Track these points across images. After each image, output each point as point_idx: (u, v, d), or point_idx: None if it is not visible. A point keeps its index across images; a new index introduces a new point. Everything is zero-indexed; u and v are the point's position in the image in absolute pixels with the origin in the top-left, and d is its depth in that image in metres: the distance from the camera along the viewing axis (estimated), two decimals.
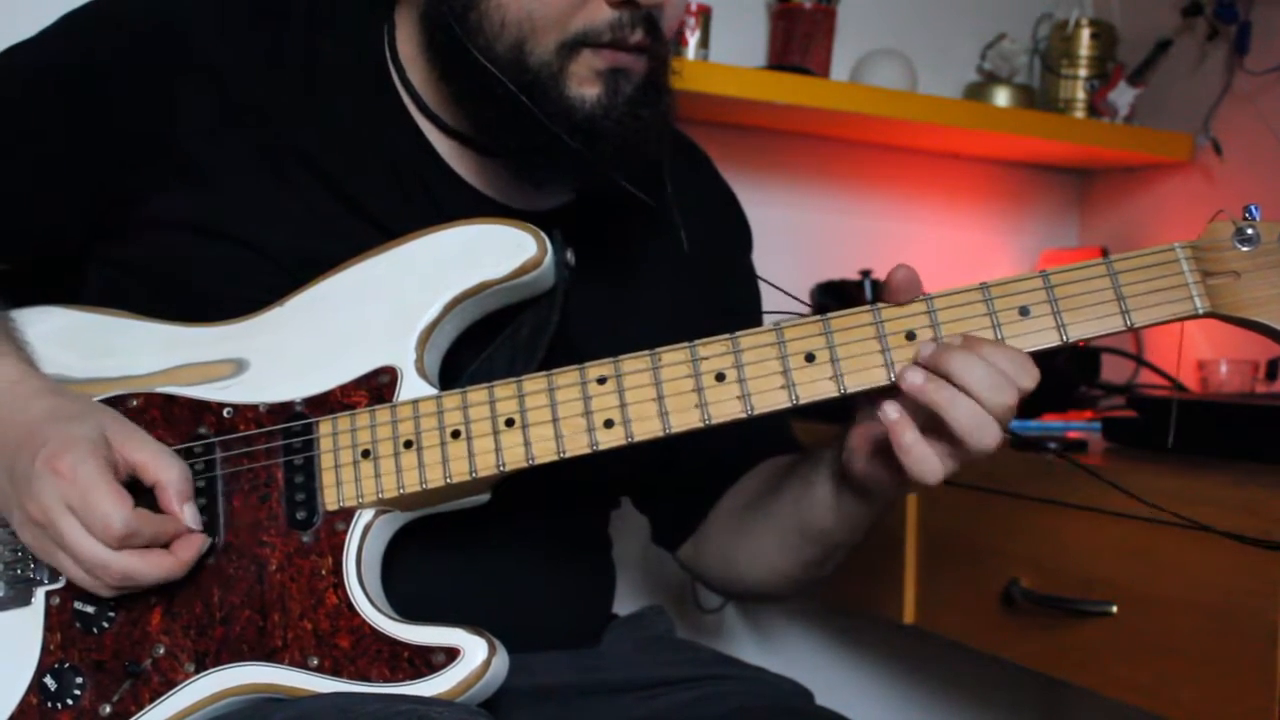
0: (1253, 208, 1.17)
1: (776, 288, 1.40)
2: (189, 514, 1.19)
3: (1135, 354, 2.44)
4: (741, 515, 1.48)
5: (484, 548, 1.33)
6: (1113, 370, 2.44)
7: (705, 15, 2.24)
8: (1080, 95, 2.54)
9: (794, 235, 2.47)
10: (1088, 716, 2.55)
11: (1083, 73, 2.54)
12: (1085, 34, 2.53)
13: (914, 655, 2.58)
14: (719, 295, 1.51)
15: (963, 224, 2.70)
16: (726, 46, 2.33)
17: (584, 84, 1.25)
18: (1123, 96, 2.50)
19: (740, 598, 1.56)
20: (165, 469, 1.19)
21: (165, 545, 1.18)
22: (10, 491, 1.18)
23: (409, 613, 1.20)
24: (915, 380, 1.13)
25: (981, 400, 1.12)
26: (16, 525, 1.19)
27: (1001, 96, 2.54)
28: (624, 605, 1.57)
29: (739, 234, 1.62)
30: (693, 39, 2.23)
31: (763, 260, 1.62)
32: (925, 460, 1.14)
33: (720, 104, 2.26)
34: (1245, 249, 1.16)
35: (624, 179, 1.28)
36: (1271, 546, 1.35)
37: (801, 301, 1.38)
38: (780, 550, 1.43)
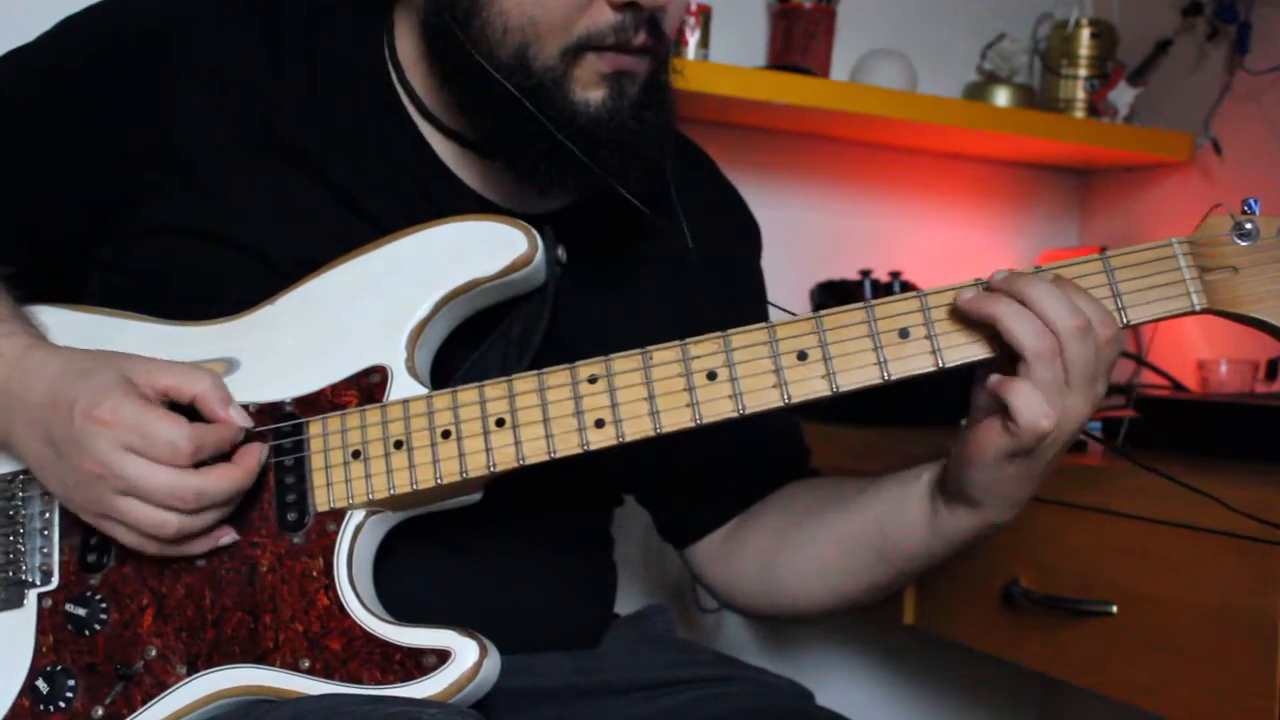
0: (1252, 201, 1.16)
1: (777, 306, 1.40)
2: (236, 414, 1.19)
3: (1135, 354, 2.43)
4: (793, 528, 1.45)
5: (482, 547, 1.33)
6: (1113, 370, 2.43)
7: (705, 15, 2.24)
8: (1080, 95, 2.53)
9: (794, 235, 2.46)
10: (1088, 716, 2.55)
11: (1083, 73, 2.53)
12: (1085, 34, 2.53)
13: (914, 655, 2.58)
14: (722, 299, 1.50)
15: (963, 224, 2.69)
16: (726, 46, 2.33)
17: (588, 88, 1.25)
18: (1123, 96, 2.50)
19: (767, 612, 1.51)
20: (196, 382, 1.19)
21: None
22: (52, 458, 1.18)
23: (406, 614, 1.20)
24: (967, 294, 1.15)
25: (1049, 320, 1.12)
26: (66, 490, 1.19)
27: (1001, 96, 2.53)
28: (624, 605, 1.57)
29: (744, 236, 1.61)
30: (693, 39, 2.23)
31: (763, 260, 1.61)
32: (1034, 399, 1.13)
33: (720, 104, 2.26)
34: (1244, 244, 1.15)
35: (628, 182, 1.28)
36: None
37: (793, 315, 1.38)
38: (843, 567, 1.40)
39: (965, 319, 1.16)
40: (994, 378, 1.15)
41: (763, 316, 1.56)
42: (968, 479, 1.22)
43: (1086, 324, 1.12)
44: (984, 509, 1.24)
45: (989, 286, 1.16)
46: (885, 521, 1.34)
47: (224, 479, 1.17)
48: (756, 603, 1.52)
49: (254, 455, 1.19)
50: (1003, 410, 1.14)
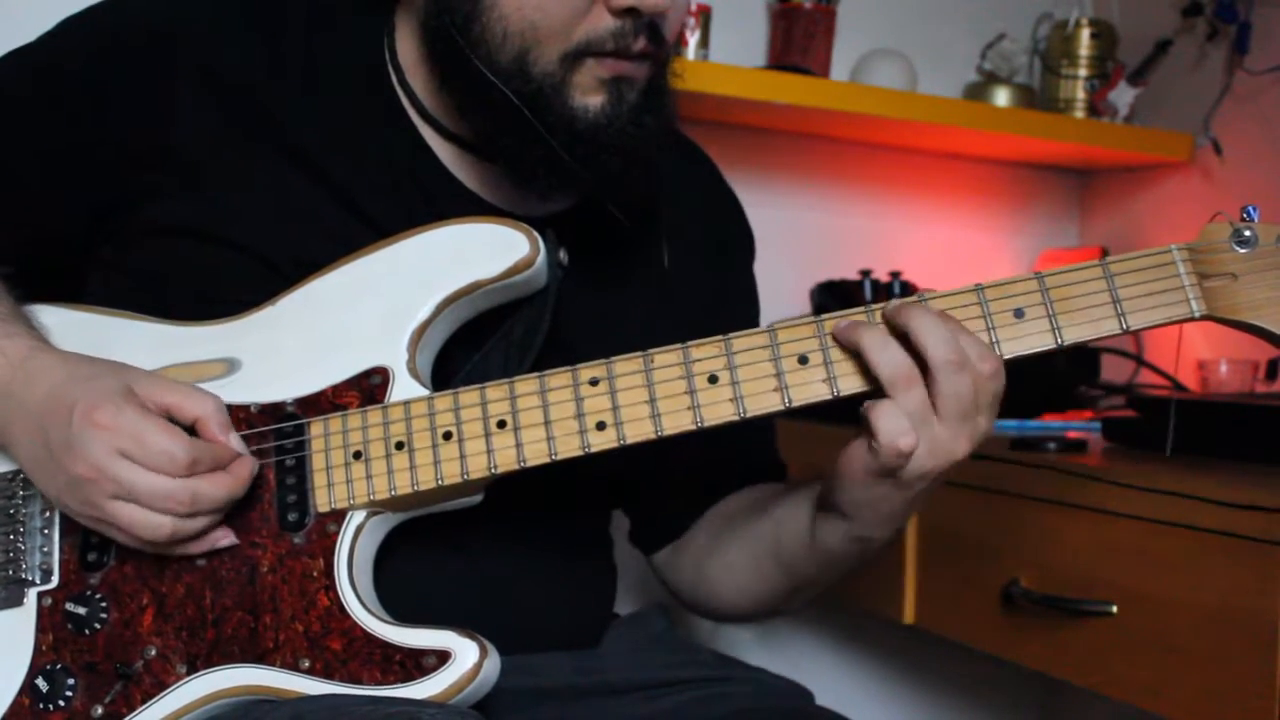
0: (1251, 209, 1.17)
1: None
2: (235, 442, 1.20)
3: (1135, 354, 2.44)
4: (721, 532, 1.47)
5: (482, 548, 1.33)
6: (1113, 370, 2.44)
7: (705, 15, 2.24)
8: (1080, 95, 2.53)
9: (794, 235, 2.47)
10: (1087, 716, 2.55)
11: (1083, 73, 2.53)
12: (1085, 34, 2.53)
13: (914, 655, 2.58)
14: (716, 302, 1.51)
15: (963, 224, 2.69)
16: (726, 46, 2.33)
17: (587, 93, 1.25)
18: (1123, 96, 2.50)
19: (707, 614, 1.54)
20: (199, 404, 1.19)
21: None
22: (47, 459, 1.18)
23: (406, 614, 1.20)
24: (842, 323, 1.16)
25: (925, 350, 1.12)
26: (59, 492, 1.19)
27: (1001, 96, 2.53)
28: (624, 605, 1.57)
29: (739, 240, 1.61)
30: (693, 39, 2.23)
31: (763, 260, 1.62)
32: (894, 418, 1.13)
33: (720, 104, 2.26)
34: (1243, 251, 1.16)
35: (626, 188, 1.29)
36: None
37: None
38: (752, 572, 1.42)
39: (964, 323, 1.16)
40: (867, 401, 1.16)
41: (756, 322, 1.57)
42: (837, 493, 1.23)
43: (961, 359, 1.12)
44: (854, 522, 1.25)
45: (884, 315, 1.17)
46: (781, 526, 1.36)
47: (219, 485, 1.17)
48: (694, 604, 1.55)
49: (247, 466, 1.19)
50: (869, 431, 1.15)
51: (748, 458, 1.54)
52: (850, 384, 1.17)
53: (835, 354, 1.17)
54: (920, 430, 1.14)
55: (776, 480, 1.56)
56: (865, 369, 1.15)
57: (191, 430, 1.19)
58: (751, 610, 1.48)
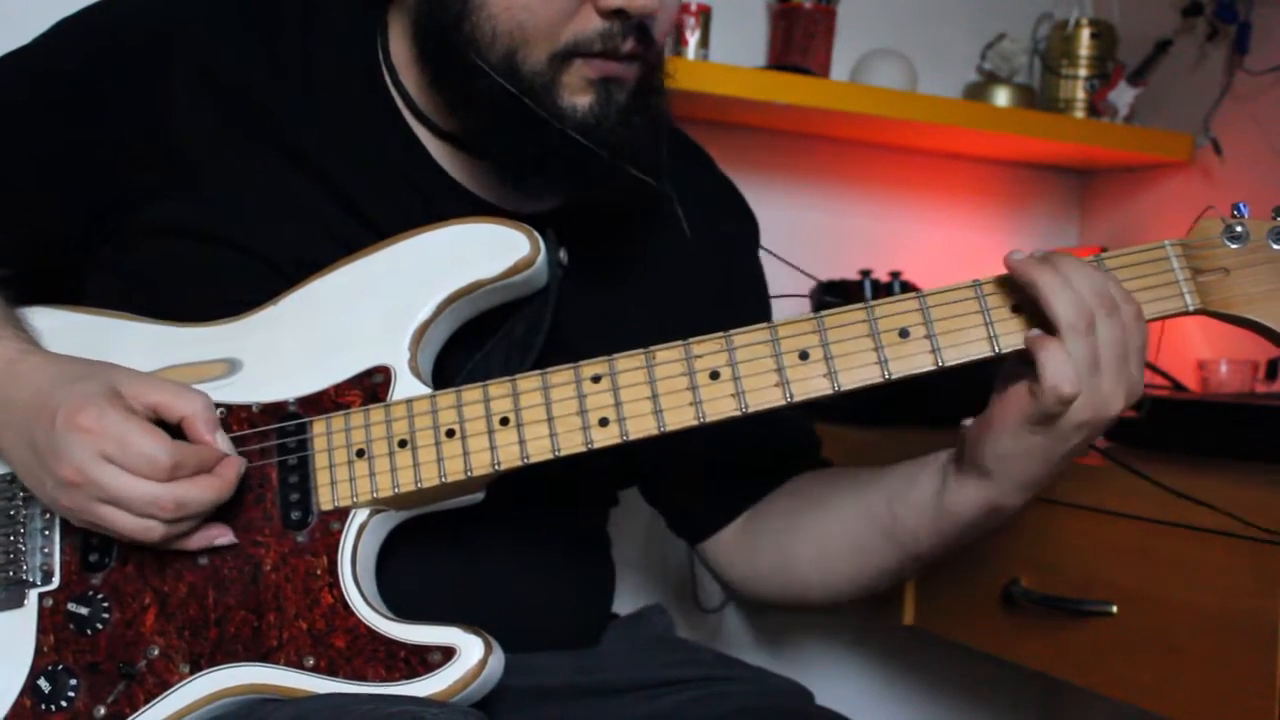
0: (1241, 205, 1.20)
1: (785, 261, 1.40)
2: (222, 441, 1.19)
3: None
4: (805, 518, 1.45)
5: (481, 546, 1.33)
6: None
7: (705, 15, 2.24)
8: (1080, 95, 2.53)
9: (794, 235, 2.44)
10: (1088, 716, 2.55)
11: (1083, 73, 2.53)
12: (1085, 34, 2.53)
13: (914, 655, 2.58)
14: (722, 294, 1.51)
15: (963, 224, 2.69)
16: (726, 46, 2.33)
17: (576, 94, 1.25)
18: (1123, 96, 2.50)
19: (782, 599, 1.52)
20: (187, 403, 1.19)
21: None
22: (34, 463, 1.18)
23: (407, 612, 1.20)
24: (1016, 255, 1.15)
25: (1080, 294, 1.12)
26: (49, 495, 1.19)
27: (1001, 96, 2.53)
28: (624, 605, 1.57)
29: (743, 230, 1.61)
30: (693, 39, 2.23)
31: (764, 260, 1.61)
32: (1063, 361, 1.13)
33: (720, 104, 2.26)
34: (1235, 246, 1.18)
35: (618, 186, 1.28)
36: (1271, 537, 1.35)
37: (806, 274, 1.38)
38: (854, 550, 1.40)
39: (963, 320, 1.17)
40: (1032, 331, 1.15)
41: (764, 309, 1.57)
42: (986, 445, 1.21)
43: (1113, 302, 1.14)
44: (993, 481, 1.23)
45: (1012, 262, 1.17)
46: (894, 498, 1.35)
47: (205, 489, 1.17)
48: (770, 592, 1.52)
49: (233, 467, 1.19)
50: (1030, 375, 1.15)
51: (790, 439, 1.53)
52: (850, 379, 1.17)
53: (835, 349, 1.17)
54: (1084, 378, 1.13)
55: (814, 457, 1.56)
56: (869, 363, 1.16)
57: (179, 430, 1.19)
58: (850, 591, 1.45)
